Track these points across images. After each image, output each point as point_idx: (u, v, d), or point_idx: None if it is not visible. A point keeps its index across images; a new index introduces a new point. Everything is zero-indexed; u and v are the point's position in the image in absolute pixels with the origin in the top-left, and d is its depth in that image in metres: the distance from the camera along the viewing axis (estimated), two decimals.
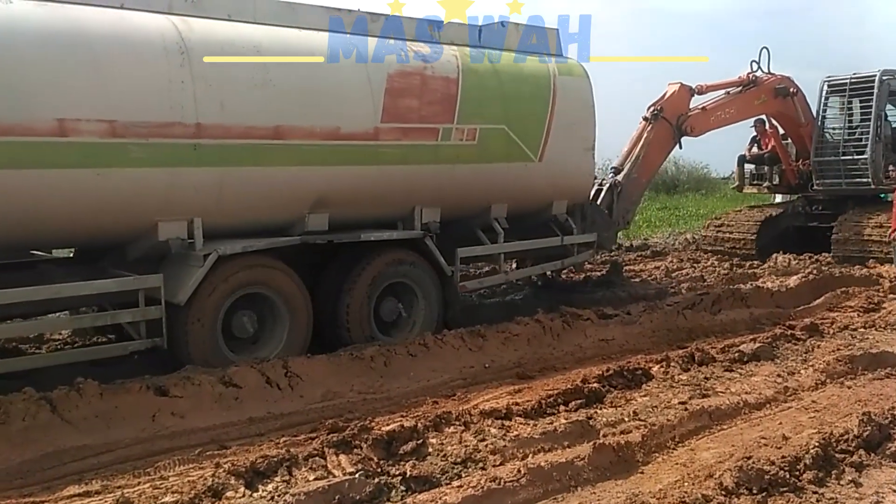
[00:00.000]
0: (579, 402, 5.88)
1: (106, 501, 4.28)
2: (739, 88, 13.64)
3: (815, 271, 11.48)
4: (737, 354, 7.17)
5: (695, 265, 13.51)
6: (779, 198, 16.77)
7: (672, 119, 12.26)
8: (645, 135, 12.05)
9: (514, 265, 10.34)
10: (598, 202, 11.07)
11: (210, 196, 6.72)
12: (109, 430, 5.25)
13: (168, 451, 5.11)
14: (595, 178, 10.93)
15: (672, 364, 6.94)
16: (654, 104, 12.34)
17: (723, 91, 13.53)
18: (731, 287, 10.19)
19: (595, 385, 6.23)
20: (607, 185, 11.33)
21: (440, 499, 4.17)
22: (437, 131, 8.12)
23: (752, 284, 10.46)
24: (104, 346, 7.24)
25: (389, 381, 6.53)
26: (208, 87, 6.55)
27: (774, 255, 13.60)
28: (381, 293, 7.83)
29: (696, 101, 13.01)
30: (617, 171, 11.75)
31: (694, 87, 12.83)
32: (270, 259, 7.12)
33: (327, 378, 6.35)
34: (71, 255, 7.92)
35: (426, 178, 8.14)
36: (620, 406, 5.88)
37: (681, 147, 12.55)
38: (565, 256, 9.99)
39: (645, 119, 12.28)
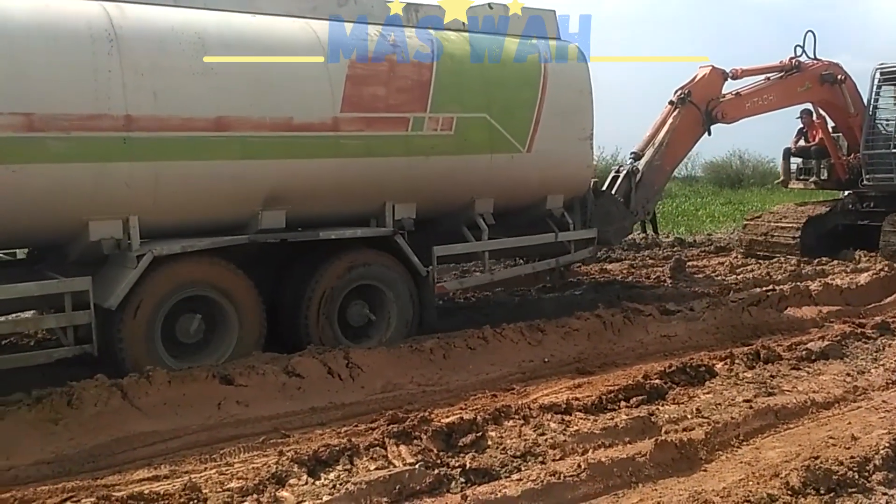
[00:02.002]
0: (641, 398, 5.82)
1: (174, 486, 4.40)
2: (781, 74, 12.68)
3: (886, 268, 11.10)
4: (804, 352, 7.00)
5: (760, 261, 13.17)
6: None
7: (701, 104, 11.38)
8: (670, 120, 11.21)
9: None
10: (614, 190, 10.50)
11: (145, 193, 6.32)
12: (177, 416, 5.40)
13: (233, 438, 5.24)
14: (593, 168, 10.10)
15: (736, 361, 6.80)
16: (681, 88, 11.51)
17: (762, 77, 12.64)
18: (798, 284, 9.91)
19: (657, 381, 6.15)
20: (624, 171, 10.72)
21: (500, 491, 4.18)
22: (408, 121, 7.60)
23: (820, 281, 10.17)
24: (26, 353, 6.54)
25: (449, 374, 6.56)
26: (139, 77, 6.16)
27: (844, 252, 13.11)
28: (347, 296, 7.30)
29: (731, 87, 12.16)
30: (637, 156, 11.02)
31: (728, 70, 12.03)
32: (217, 260, 6.64)
33: (387, 369, 6.41)
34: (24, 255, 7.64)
35: (396, 171, 7.60)
36: (683, 403, 5.80)
37: (710, 134, 11.66)
38: (563, 254, 9.42)
39: (671, 103, 11.38)
